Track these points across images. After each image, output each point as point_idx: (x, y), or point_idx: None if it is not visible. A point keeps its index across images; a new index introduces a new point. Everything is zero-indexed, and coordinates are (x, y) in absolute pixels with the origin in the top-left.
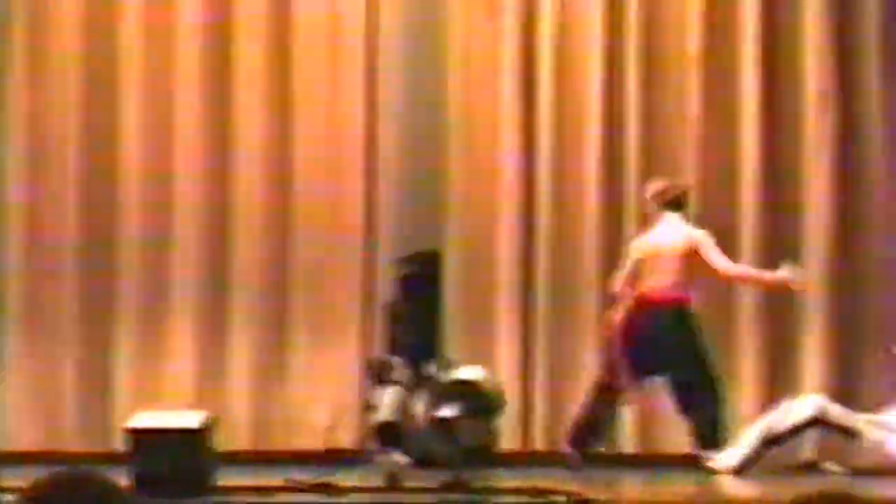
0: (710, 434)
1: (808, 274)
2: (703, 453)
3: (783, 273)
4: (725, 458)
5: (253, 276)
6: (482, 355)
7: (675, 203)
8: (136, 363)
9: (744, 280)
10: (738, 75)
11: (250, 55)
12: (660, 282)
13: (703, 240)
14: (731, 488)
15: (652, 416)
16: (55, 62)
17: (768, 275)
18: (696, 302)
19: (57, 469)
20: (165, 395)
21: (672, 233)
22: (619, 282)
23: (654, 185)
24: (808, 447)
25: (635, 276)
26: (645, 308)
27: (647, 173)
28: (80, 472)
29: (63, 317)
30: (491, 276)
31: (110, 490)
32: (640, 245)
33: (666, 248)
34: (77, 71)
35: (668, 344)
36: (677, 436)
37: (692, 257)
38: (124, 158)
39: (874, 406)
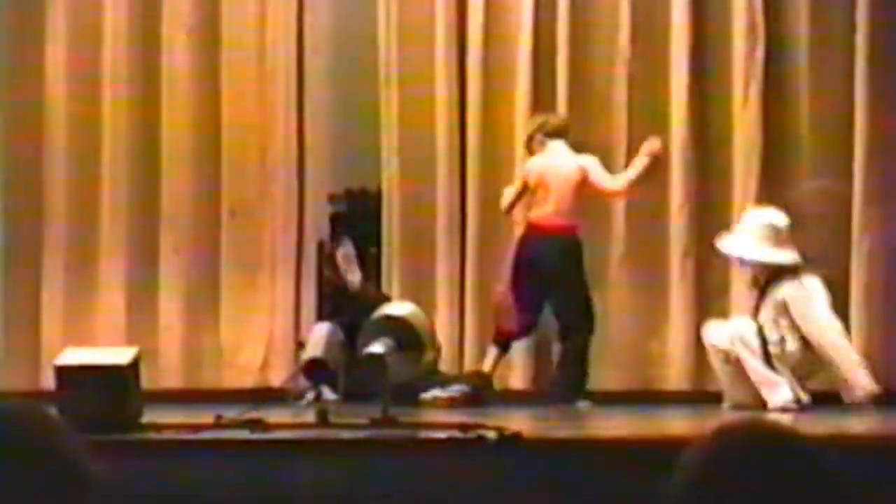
0: (577, 377)
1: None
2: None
3: (647, 146)
4: None
5: (184, 213)
6: (421, 292)
7: (557, 132)
8: (66, 300)
9: (632, 184)
10: (668, 9)
11: None
12: (550, 209)
13: (592, 165)
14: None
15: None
16: None
17: (641, 160)
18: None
19: None
20: (96, 333)
21: (562, 162)
22: (507, 200)
23: (533, 120)
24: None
25: (525, 200)
26: (534, 235)
27: (577, 108)
28: (18, 407)
29: None
30: (431, 211)
31: (49, 422)
32: (531, 169)
33: (557, 177)
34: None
35: (554, 272)
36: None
37: (582, 187)
38: (51, 93)
39: None
